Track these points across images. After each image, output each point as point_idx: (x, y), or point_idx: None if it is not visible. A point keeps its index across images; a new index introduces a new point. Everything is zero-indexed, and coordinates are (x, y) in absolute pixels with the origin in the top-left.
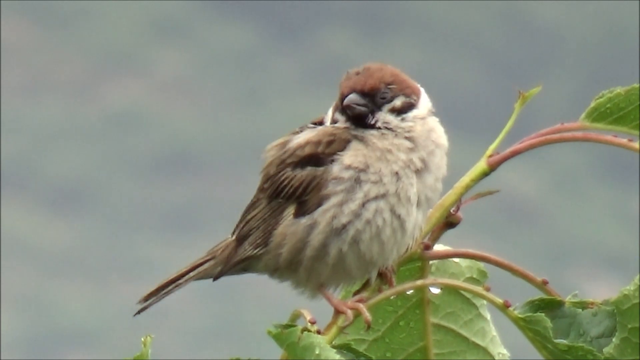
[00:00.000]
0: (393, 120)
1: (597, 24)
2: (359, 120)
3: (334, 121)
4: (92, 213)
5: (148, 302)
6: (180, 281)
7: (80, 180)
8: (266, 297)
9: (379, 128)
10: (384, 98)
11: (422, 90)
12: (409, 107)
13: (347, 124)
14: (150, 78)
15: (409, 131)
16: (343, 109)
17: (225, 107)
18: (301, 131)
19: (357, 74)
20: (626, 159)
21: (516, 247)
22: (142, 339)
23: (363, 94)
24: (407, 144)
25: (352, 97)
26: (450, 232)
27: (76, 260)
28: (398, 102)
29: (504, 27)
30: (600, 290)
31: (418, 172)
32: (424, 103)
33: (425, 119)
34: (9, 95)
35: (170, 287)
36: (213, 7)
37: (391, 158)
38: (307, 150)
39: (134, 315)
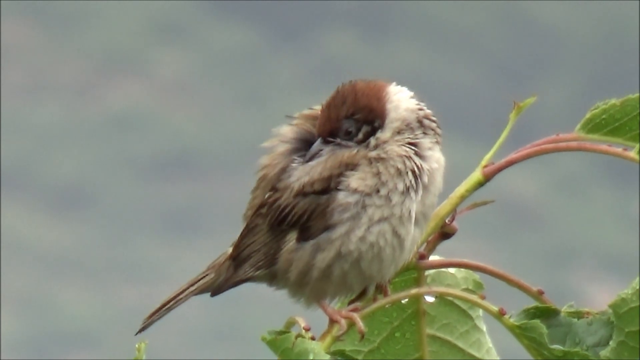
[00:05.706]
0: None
1: (598, 25)
2: None
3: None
4: (92, 214)
5: (151, 320)
6: (180, 297)
7: (80, 181)
8: (266, 299)
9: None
10: (349, 132)
11: (390, 107)
12: (372, 132)
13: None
14: (151, 79)
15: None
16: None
17: (226, 108)
18: (299, 149)
19: (328, 106)
20: (626, 162)
21: (516, 250)
22: (137, 345)
23: (326, 141)
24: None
25: (314, 149)
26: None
27: (76, 261)
28: (361, 134)
29: (504, 29)
30: (602, 293)
31: (424, 187)
32: (390, 124)
33: (395, 140)
34: (9, 95)
35: (171, 304)
36: (214, 8)
37: (403, 168)
38: (317, 186)
39: (136, 334)
